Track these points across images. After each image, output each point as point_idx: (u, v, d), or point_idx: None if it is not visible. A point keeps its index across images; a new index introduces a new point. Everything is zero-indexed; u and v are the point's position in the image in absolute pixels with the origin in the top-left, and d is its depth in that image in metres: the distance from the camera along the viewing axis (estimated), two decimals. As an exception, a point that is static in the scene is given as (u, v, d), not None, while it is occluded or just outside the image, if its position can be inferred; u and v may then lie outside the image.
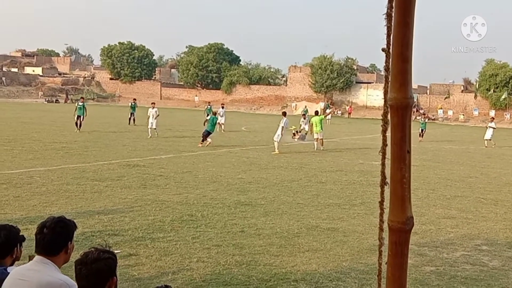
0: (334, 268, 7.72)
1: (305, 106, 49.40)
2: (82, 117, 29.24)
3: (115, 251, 3.20)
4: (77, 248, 7.63)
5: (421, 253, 8.63)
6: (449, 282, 7.37)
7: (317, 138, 25.59)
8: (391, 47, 1.49)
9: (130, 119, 36.46)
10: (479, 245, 9.39)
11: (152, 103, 31.33)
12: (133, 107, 37.23)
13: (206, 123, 27.00)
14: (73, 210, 10.53)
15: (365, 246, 8.84)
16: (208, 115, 40.04)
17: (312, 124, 26.59)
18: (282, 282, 7.06)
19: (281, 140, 23.76)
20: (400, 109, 1.45)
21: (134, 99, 41.28)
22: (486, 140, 32.14)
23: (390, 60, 1.49)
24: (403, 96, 1.44)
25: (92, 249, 3.05)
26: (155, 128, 28.28)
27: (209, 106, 41.98)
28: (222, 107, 37.54)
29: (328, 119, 51.02)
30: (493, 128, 32.66)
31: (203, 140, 24.63)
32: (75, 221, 3.51)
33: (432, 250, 8.88)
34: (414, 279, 7.24)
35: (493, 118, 36.45)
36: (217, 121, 34.65)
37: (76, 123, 28.91)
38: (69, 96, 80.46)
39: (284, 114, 25.55)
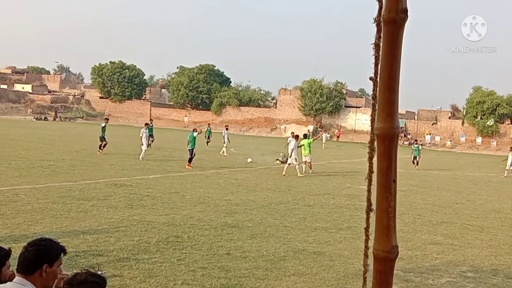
0: (320, 293, 7.68)
1: (308, 130, 48.76)
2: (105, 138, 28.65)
3: (99, 272, 3.16)
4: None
5: (406, 279, 8.63)
6: (434, 309, 7.35)
7: (306, 161, 25.65)
8: (378, 76, 1.51)
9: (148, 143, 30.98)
10: (464, 271, 9.41)
11: (145, 124, 29.54)
12: (150, 129, 32.61)
13: (208, 144, 26.90)
14: (58, 229, 10.42)
15: (351, 271, 8.82)
16: (208, 137, 39.78)
17: (300, 146, 26.72)
18: (268, 306, 7.01)
19: (293, 161, 24.07)
20: (387, 139, 1.46)
21: (151, 120, 38.12)
22: (507, 170, 30.43)
23: (377, 89, 1.51)
24: (390, 126, 1.45)
25: (83, 271, 3.04)
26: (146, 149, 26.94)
27: (209, 128, 41.55)
28: (226, 129, 37.03)
29: (324, 142, 51.27)
30: None
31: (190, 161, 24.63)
32: (59, 240, 3.43)
33: (417, 276, 8.87)
34: (399, 305, 7.22)
35: None
36: (223, 145, 34.25)
37: (101, 146, 28.22)
38: (58, 114, 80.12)
39: (296, 136, 25.69)
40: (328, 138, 68.08)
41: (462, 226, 13.83)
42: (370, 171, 1.69)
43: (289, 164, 24.19)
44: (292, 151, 24.30)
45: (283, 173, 23.53)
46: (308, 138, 27.41)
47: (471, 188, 23.87)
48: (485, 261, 10.25)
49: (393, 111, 1.45)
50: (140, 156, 26.21)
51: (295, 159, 24.08)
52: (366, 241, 1.82)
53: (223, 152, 33.57)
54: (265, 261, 9.12)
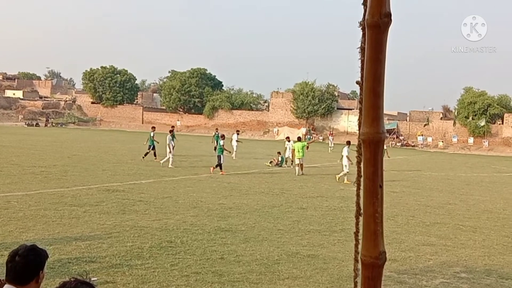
0: (313, 296, 7.66)
1: (303, 134, 48.41)
2: (153, 146, 28.97)
3: (92, 279, 3.14)
4: (53, 275, 7.49)
5: (400, 280, 8.62)
6: (428, 310, 7.34)
7: (298, 164, 25.71)
8: (363, 80, 1.50)
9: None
10: (458, 272, 9.42)
11: (170, 131, 28.84)
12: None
13: (215, 150, 26.94)
14: (50, 236, 10.34)
15: (345, 273, 8.80)
16: (216, 142, 39.36)
17: (293, 149, 26.85)
18: (261, 310, 6.98)
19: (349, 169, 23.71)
20: (372, 144, 1.45)
21: (173, 126, 37.36)
22: None
23: (363, 94, 1.50)
24: (375, 131, 1.44)
25: (72, 279, 3.00)
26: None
27: (217, 133, 40.94)
28: (237, 133, 37.04)
29: (331, 146, 51.10)
30: None
31: (218, 166, 24.49)
32: (51, 247, 3.47)
33: (411, 277, 8.88)
34: (393, 307, 7.21)
35: None
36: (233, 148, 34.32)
37: (155, 154, 28.46)
38: (49, 120, 79.78)
39: (348, 143, 25.36)
40: (321, 140, 68.31)
41: (455, 227, 13.85)
42: (359, 175, 1.68)
43: (348, 171, 23.54)
44: (342, 157, 24.27)
45: (343, 180, 23.29)
46: (302, 142, 27.58)
47: (464, 188, 23.93)
48: (479, 262, 10.27)
49: (378, 115, 1.44)
50: (169, 164, 25.66)
51: (346, 166, 23.82)
52: (356, 245, 1.81)
53: (232, 156, 33.53)
54: (259, 265, 9.10)
